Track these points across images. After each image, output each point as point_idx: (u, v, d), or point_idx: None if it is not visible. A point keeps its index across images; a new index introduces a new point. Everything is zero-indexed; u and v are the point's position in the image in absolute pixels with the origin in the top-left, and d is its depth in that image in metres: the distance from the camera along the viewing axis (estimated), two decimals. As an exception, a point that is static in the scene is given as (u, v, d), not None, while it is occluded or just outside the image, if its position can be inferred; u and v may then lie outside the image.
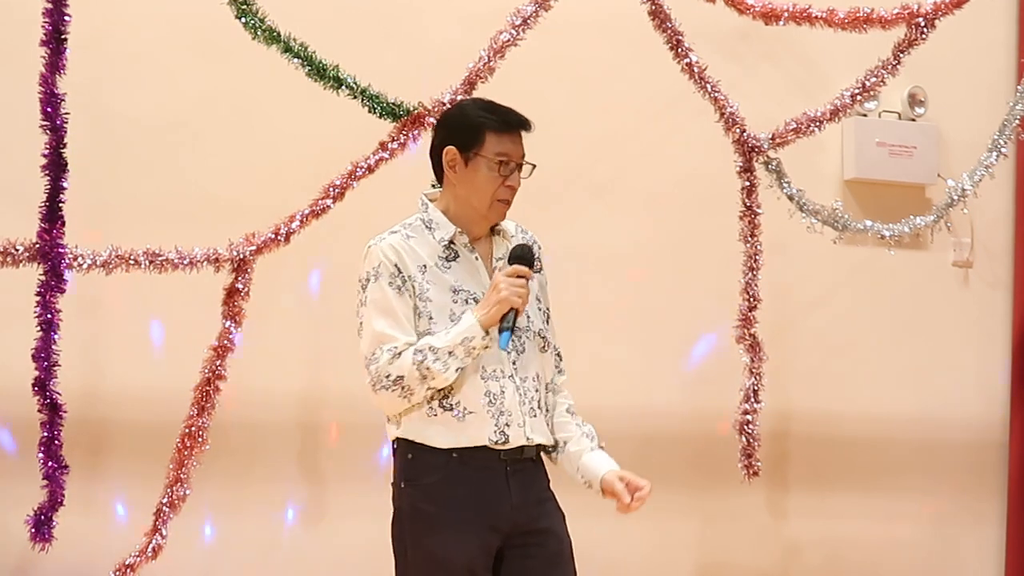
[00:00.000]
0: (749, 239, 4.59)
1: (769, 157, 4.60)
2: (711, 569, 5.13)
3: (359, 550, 4.81)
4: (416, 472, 3.44)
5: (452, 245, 3.46)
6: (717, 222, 4.89)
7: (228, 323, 3.97)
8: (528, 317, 3.48)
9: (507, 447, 3.41)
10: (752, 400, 4.57)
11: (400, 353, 3.33)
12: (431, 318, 3.39)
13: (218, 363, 3.96)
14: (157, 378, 4.52)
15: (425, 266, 3.43)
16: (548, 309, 3.58)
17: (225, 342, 3.97)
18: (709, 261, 4.91)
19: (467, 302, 3.39)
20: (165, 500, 3.93)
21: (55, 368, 3.72)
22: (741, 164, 4.58)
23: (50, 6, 3.70)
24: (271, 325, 4.56)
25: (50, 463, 3.71)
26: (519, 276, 3.36)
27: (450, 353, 3.32)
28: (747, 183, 4.58)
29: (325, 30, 4.18)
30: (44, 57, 3.69)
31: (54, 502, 3.72)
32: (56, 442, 3.71)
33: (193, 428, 3.94)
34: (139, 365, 4.56)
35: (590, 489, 3.49)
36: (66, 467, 3.73)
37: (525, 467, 3.46)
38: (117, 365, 4.55)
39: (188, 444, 3.94)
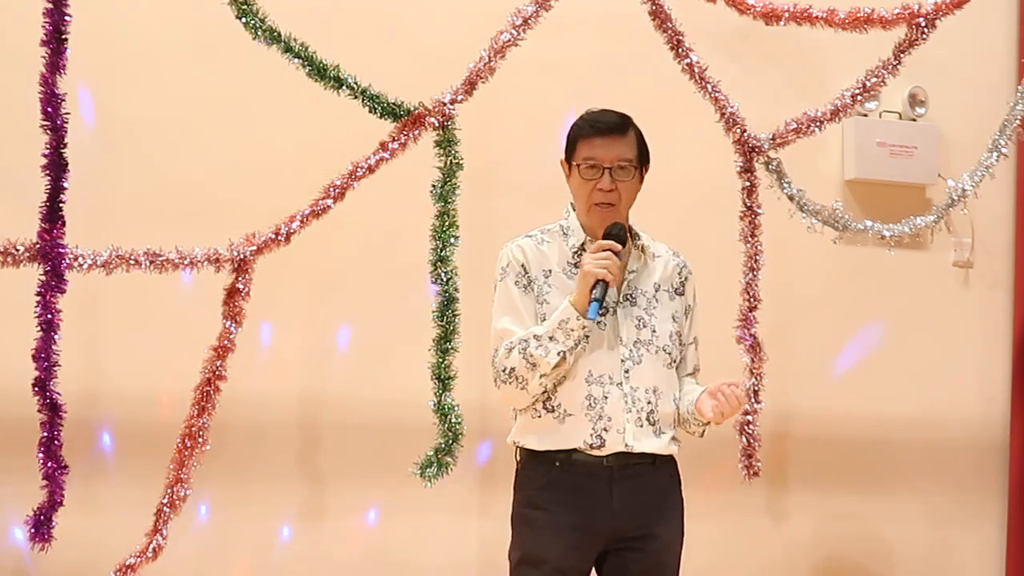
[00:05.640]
0: (749, 239, 4.59)
1: (769, 157, 4.59)
2: (711, 569, 5.13)
3: (359, 550, 4.82)
4: (522, 481, 3.57)
5: (583, 252, 3.52)
6: (717, 222, 4.89)
7: (228, 323, 3.97)
8: (654, 331, 3.54)
9: (603, 452, 3.44)
10: (752, 400, 4.57)
11: (513, 347, 3.41)
12: (546, 320, 3.46)
13: (218, 363, 3.95)
14: (157, 378, 4.52)
15: (550, 271, 3.52)
16: (681, 333, 3.62)
17: (225, 342, 3.96)
18: (709, 261, 4.91)
19: None
20: (165, 500, 3.93)
21: (55, 368, 3.71)
22: (741, 164, 4.58)
23: (50, 6, 3.69)
24: (271, 325, 4.56)
25: (50, 463, 3.70)
26: (604, 250, 3.41)
27: (550, 338, 3.39)
28: (747, 183, 4.58)
29: (325, 30, 4.18)
30: (44, 57, 3.68)
31: (54, 502, 3.71)
32: (56, 442, 3.70)
33: (193, 428, 3.94)
34: (139, 365, 4.56)
35: (705, 424, 3.55)
36: (66, 467, 3.72)
37: (637, 472, 3.51)
38: (117, 365, 4.55)
39: (188, 444, 3.93)
